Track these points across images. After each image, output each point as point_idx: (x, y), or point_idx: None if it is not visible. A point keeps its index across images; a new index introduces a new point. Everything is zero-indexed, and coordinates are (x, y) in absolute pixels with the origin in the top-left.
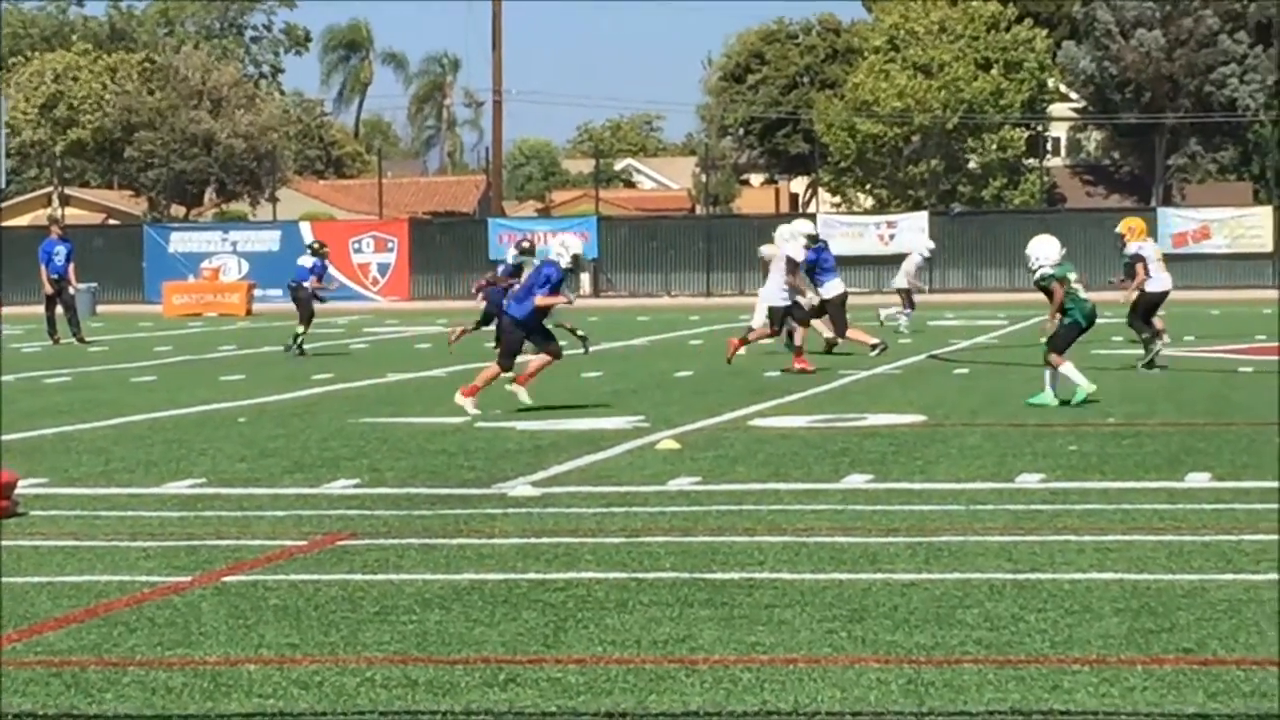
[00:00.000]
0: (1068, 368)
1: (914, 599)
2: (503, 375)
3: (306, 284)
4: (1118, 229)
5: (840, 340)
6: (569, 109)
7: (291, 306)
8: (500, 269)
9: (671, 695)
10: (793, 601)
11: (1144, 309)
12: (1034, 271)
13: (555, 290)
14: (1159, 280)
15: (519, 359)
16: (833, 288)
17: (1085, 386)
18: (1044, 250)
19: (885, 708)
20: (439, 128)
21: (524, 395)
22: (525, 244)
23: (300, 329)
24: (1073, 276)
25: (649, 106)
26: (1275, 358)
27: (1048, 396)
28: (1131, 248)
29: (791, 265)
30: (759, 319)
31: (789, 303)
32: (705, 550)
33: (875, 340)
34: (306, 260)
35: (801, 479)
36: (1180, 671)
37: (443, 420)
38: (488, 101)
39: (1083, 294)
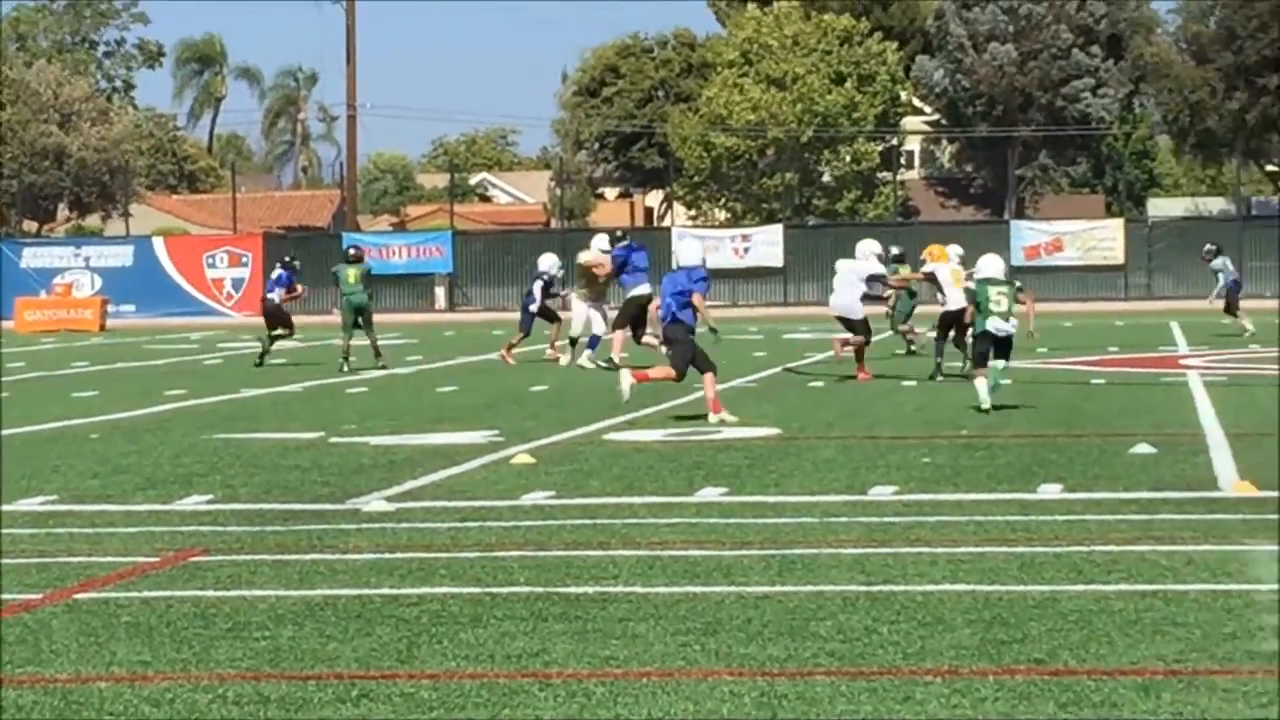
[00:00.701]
0: (979, 381)
1: (767, 611)
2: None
3: (272, 295)
4: (922, 255)
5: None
6: (424, 123)
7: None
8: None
9: (524, 709)
10: (646, 615)
11: (942, 327)
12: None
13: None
14: (953, 299)
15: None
16: (638, 289)
17: (983, 402)
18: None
19: None
20: (293, 142)
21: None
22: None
23: (281, 331)
24: (992, 291)
25: (504, 121)
26: (1126, 369)
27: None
28: (927, 267)
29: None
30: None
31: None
32: (559, 564)
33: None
34: (275, 273)
35: (656, 492)
36: (1031, 682)
37: (297, 436)
38: (342, 116)
39: (996, 307)
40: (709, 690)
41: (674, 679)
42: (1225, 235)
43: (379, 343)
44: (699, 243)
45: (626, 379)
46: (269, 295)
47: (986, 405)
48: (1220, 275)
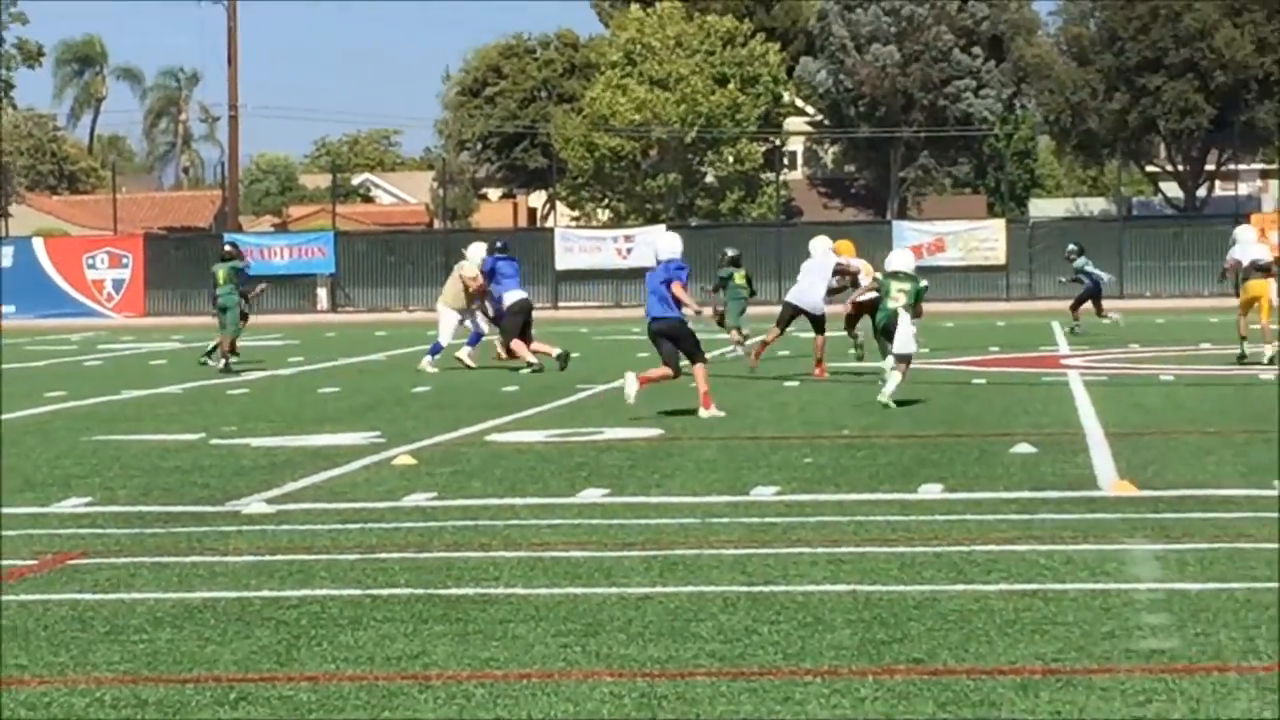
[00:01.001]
0: (892, 375)
1: (648, 612)
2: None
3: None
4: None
5: (503, 354)
6: (306, 123)
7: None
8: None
9: (404, 711)
10: (527, 616)
11: (852, 318)
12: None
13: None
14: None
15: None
16: (511, 296)
17: (886, 396)
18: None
19: None
20: (175, 143)
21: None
22: None
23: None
24: (894, 286)
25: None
26: (1007, 369)
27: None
28: (855, 263)
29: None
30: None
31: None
32: (440, 566)
33: (557, 351)
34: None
35: (538, 494)
36: (910, 682)
37: (177, 437)
38: (224, 116)
39: (894, 303)
40: (589, 691)
41: (554, 680)
42: (1106, 236)
43: (233, 343)
44: (677, 235)
45: (632, 383)
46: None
47: (886, 399)
48: (1083, 276)
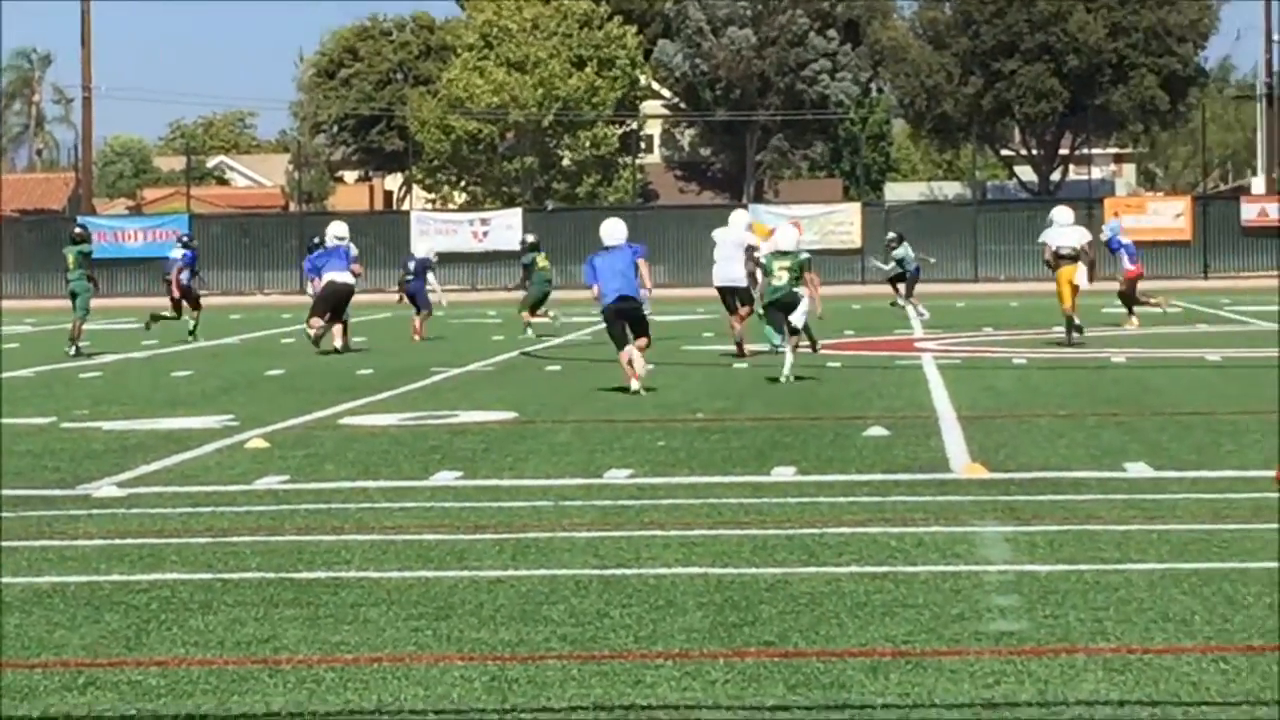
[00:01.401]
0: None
1: (500, 596)
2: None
3: (184, 276)
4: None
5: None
6: (161, 106)
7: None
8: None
9: (253, 696)
10: (379, 600)
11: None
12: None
13: None
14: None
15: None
16: (335, 277)
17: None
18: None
19: (468, 704)
20: (28, 125)
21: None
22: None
23: (191, 319)
24: (776, 264)
25: (242, 103)
26: (861, 353)
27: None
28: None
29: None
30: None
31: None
32: (292, 550)
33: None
34: (176, 253)
35: (390, 477)
36: (761, 664)
37: (28, 420)
38: (77, 98)
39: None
40: (440, 675)
41: (405, 664)
42: (960, 219)
43: (82, 327)
44: (621, 221)
45: (635, 384)
46: (177, 276)
47: (786, 374)
48: (903, 264)
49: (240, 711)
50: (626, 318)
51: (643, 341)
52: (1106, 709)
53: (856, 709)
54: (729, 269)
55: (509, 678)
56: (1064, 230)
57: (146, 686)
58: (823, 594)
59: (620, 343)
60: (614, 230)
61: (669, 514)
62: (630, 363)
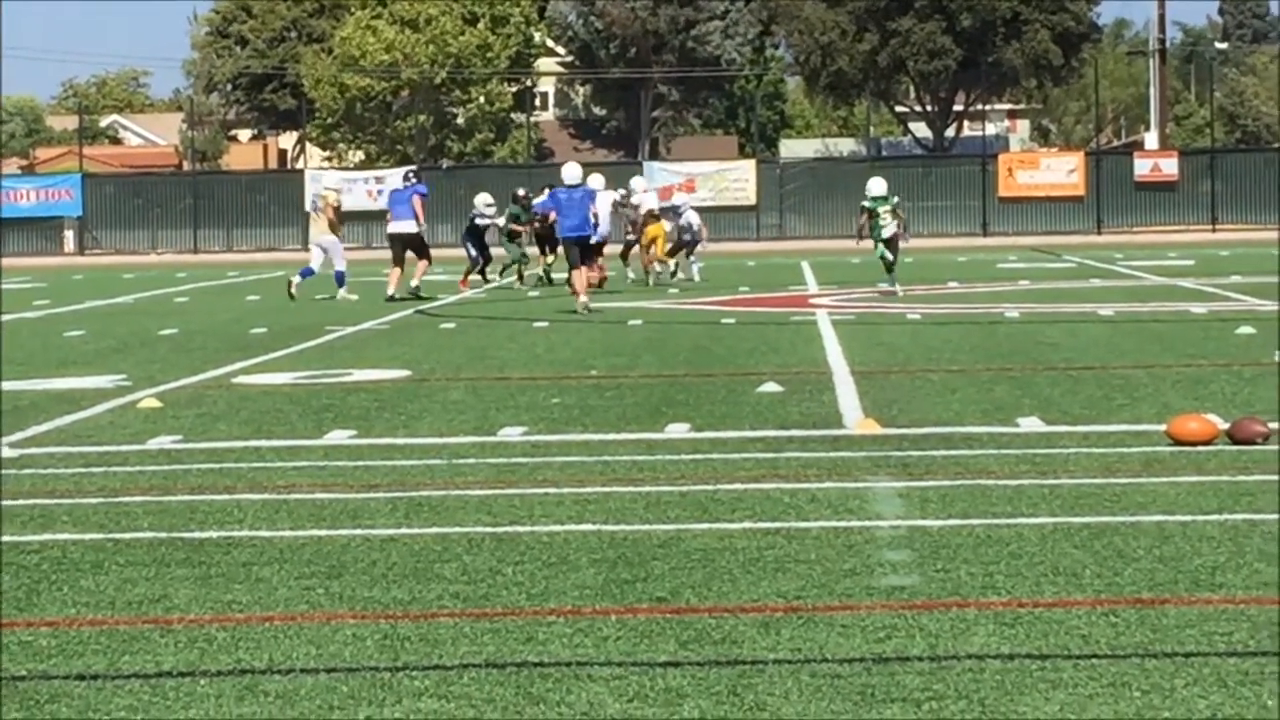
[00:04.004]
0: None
1: (393, 554)
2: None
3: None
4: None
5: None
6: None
7: None
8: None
9: (144, 655)
10: (271, 559)
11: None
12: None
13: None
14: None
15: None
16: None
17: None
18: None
19: (360, 663)
20: None
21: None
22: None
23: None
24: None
25: (136, 62)
26: (756, 309)
27: None
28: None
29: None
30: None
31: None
32: (184, 509)
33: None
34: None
35: (284, 436)
36: (653, 620)
37: None
38: None
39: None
40: (332, 634)
41: (297, 623)
42: (855, 176)
43: None
44: (578, 165)
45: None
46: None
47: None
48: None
49: (131, 671)
50: (580, 246)
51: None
52: (996, 662)
53: (748, 664)
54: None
55: (401, 635)
56: (649, 196)
57: (37, 647)
58: (715, 550)
59: (574, 264)
60: (573, 171)
61: (562, 471)
62: (579, 282)
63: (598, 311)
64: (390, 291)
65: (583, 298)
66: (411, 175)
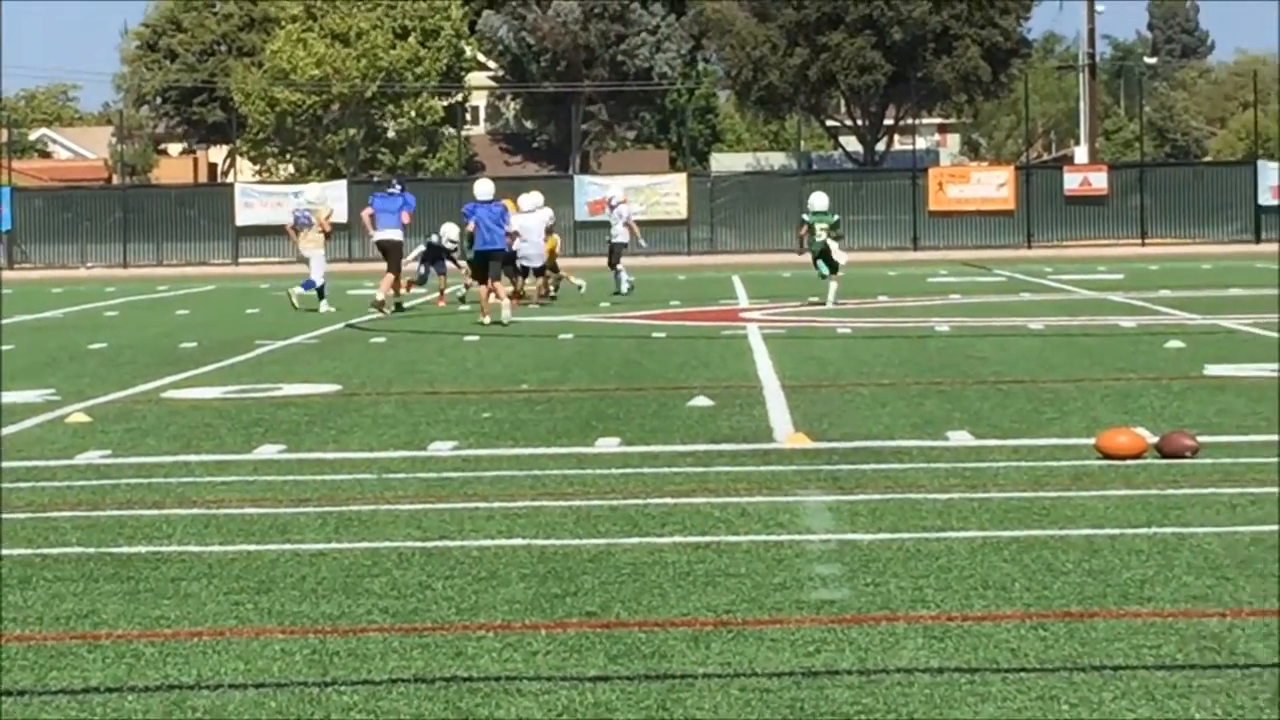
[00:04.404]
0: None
1: (322, 569)
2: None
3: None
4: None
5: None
6: None
7: None
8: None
9: (72, 671)
10: (200, 574)
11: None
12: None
13: None
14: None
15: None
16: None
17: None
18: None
19: (288, 678)
20: None
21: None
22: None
23: None
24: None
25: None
26: (687, 323)
27: None
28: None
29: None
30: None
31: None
32: (112, 524)
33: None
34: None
35: (213, 450)
36: (583, 634)
37: None
38: None
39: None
40: (260, 649)
41: (225, 638)
42: (786, 189)
43: None
44: (490, 182)
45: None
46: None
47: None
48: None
49: (59, 687)
50: (494, 259)
51: (499, 285)
52: (925, 676)
53: (677, 678)
54: (530, 249)
55: (330, 650)
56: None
57: None
58: (645, 564)
59: (482, 279)
60: (485, 187)
61: (492, 486)
62: (487, 296)
63: (513, 323)
64: (379, 296)
65: (504, 309)
66: (397, 184)
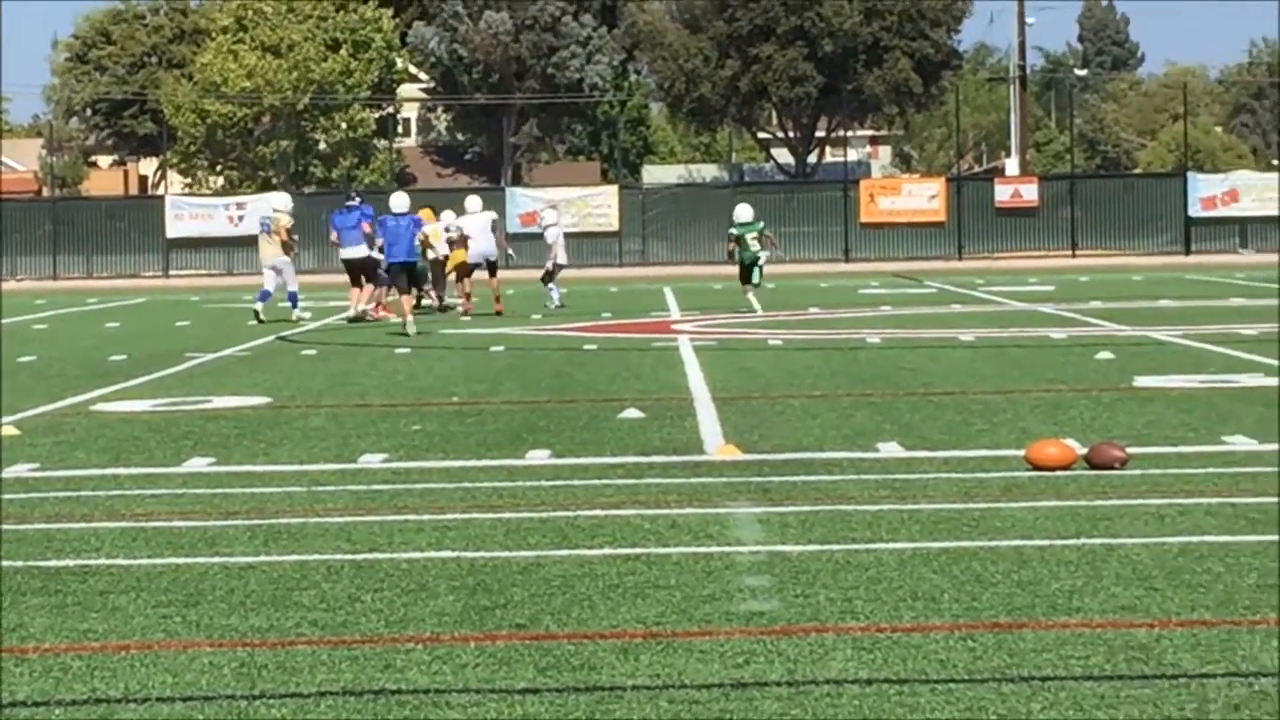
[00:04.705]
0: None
1: (251, 582)
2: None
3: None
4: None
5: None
6: None
7: None
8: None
9: None
10: (128, 587)
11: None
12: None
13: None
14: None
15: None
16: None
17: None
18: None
19: (217, 691)
20: None
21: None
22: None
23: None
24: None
25: None
26: (618, 335)
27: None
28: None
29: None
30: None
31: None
32: (40, 538)
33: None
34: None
35: (142, 463)
36: (512, 647)
37: None
38: None
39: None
40: (188, 662)
41: (153, 651)
42: (718, 201)
43: None
44: (405, 195)
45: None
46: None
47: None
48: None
49: None
50: (406, 271)
51: (406, 297)
52: (854, 687)
53: (606, 690)
54: (482, 245)
55: (258, 664)
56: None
57: None
58: (575, 576)
59: (403, 290)
60: (400, 200)
61: (422, 498)
62: (407, 306)
63: (424, 333)
64: (350, 313)
65: (410, 324)
66: (355, 197)
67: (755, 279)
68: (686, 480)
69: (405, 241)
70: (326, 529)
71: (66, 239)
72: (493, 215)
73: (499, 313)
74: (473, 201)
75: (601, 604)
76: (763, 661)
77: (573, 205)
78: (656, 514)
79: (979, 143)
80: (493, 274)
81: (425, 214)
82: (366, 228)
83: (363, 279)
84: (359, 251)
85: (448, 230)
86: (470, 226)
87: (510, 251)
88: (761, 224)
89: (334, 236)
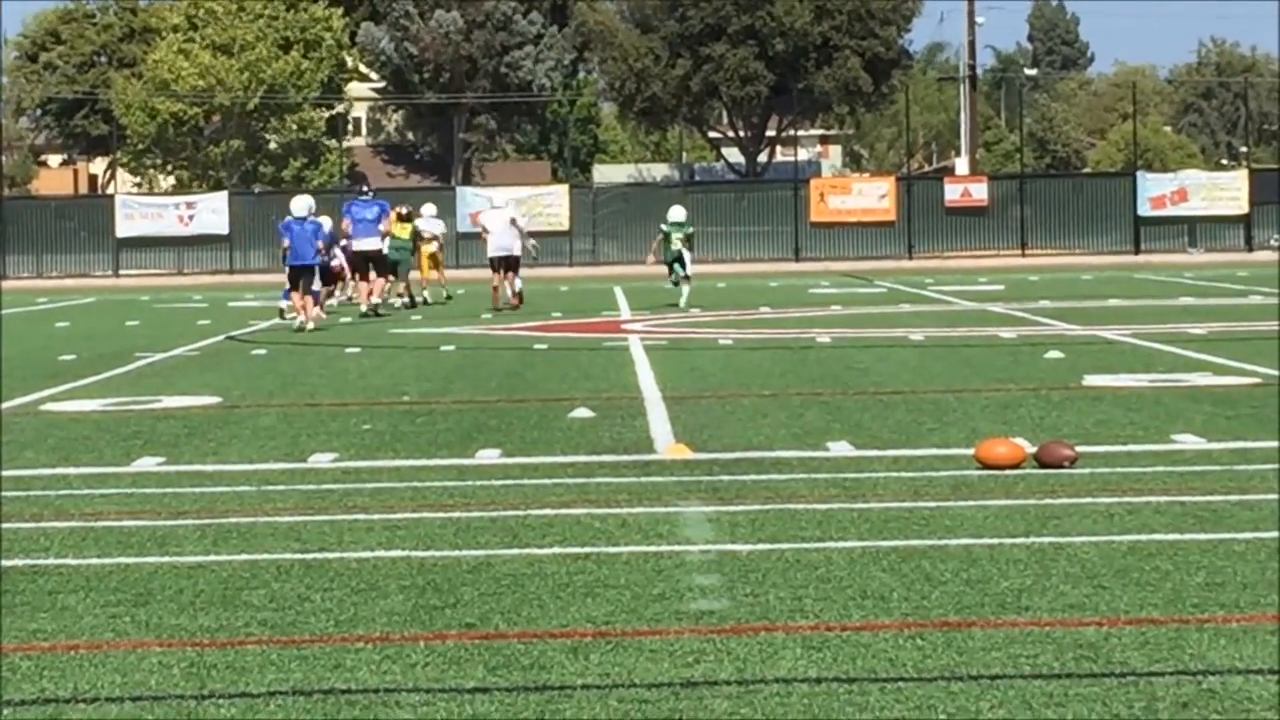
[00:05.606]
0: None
1: (200, 581)
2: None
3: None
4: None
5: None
6: None
7: None
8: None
9: None
10: (77, 587)
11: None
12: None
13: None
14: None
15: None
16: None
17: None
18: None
19: (166, 691)
20: None
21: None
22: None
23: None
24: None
25: None
26: (569, 334)
27: None
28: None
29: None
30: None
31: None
32: None
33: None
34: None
35: (92, 463)
36: (462, 646)
37: None
38: None
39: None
40: (137, 662)
41: (103, 651)
42: (668, 201)
43: None
44: (308, 198)
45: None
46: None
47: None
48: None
49: None
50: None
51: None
52: (804, 686)
53: (556, 690)
54: (504, 239)
55: (208, 663)
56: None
57: None
58: (525, 575)
59: (301, 290)
60: (301, 204)
61: (373, 498)
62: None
63: (319, 329)
64: (363, 308)
65: (305, 319)
66: (368, 191)
67: (684, 271)
68: (637, 479)
69: (309, 245)
70: (276, 528)
71: (15, 239)
72: (513, 212)
73: (516, 307)
74: (497, 197)
75: (551, 603)
76: (712, 660)
77: (524, 204)
78: (607, 513)
79: (929, 142)
80: (512, 269)
81: (394, 216)
82: (384, 226)
83: (372, 272)
84: (373, 243)
85: (421, 234)
86: (491, 222)
87: (534, 243)
88: (691, 228)
89: (346, 226)
